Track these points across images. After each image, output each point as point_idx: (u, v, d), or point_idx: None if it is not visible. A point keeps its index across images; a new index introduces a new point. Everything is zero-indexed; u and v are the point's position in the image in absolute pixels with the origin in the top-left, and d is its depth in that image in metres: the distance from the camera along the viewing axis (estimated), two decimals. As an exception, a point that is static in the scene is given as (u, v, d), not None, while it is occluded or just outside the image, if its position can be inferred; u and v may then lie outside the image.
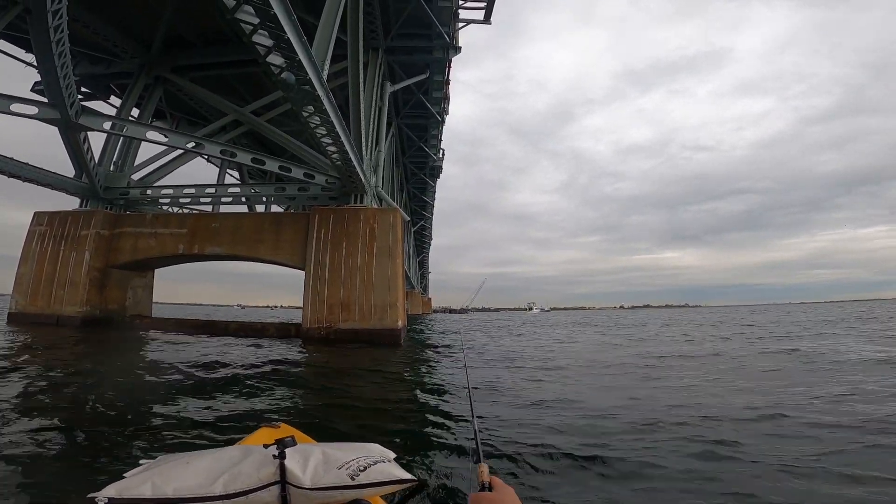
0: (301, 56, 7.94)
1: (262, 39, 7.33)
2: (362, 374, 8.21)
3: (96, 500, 1.29)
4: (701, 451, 3.87)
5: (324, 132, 11.65)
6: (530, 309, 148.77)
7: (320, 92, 9.55)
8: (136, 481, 1.38)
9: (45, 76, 11.73)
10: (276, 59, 8.01)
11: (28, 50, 16.67)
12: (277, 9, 6.55)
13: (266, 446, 1.56)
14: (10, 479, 2.92)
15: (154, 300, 20.34)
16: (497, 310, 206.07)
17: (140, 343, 12.73)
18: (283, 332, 16.65)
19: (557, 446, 3.94)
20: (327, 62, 10.01)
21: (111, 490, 1.34)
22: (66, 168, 16.31)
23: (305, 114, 10.45)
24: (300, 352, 11.79)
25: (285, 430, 2.11)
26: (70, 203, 17.78)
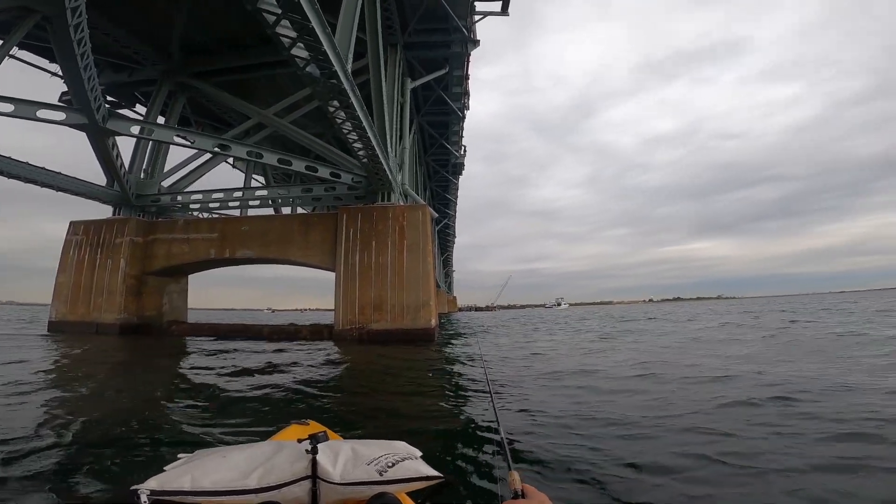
0: (326, 47, 7.75)
1: (286, 31, 7.16)
2: (392, 376, 8.01)
3: (139, 492, 1.33)
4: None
5: (350, 128, 11.49)
6: (559, 305, 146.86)
7: (346, 85, 9.37)
8: (176, 474, 1.43)
9: (70, 83, 11.84)
10: (300, 52, 7.84)
11: (51, 59, 17.05)
12: (301, -4, 6.35)
13: (300, 441, 1.59)
14: (57, 472, 3.02)
15: (188, 306, 20.66)
16: (523, 306, 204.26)
17: (179, 348, 12.83)
18: (316, 334, 16.60)
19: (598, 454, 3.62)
20: (350, 55, 9.81)
21: (153, 483, 1.39)
22: (98, 178, 16.67)
23: (331, 109, 10.29)
24: (333, 353, 11.66)
25: (314, 427, 2.16)
26: (103, 212, 18.17)
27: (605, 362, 9.03)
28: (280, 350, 12.22)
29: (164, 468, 1.49)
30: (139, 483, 1.36)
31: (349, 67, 9.71)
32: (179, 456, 1.63)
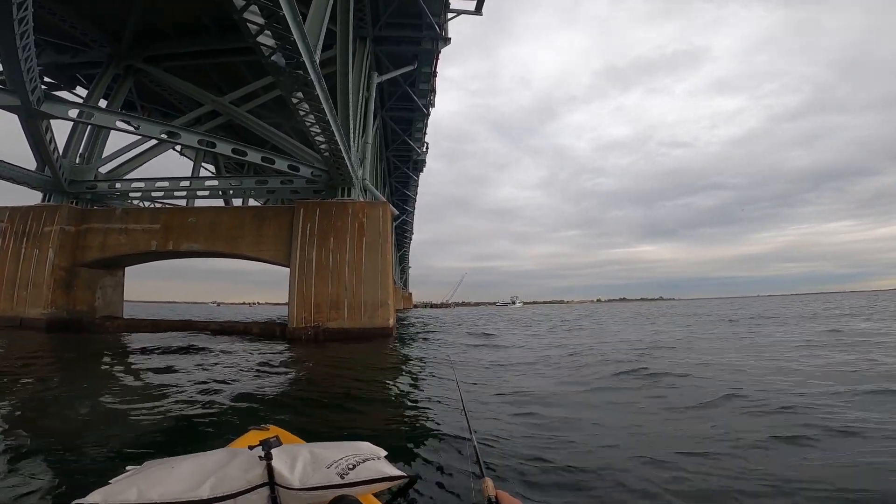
0: (296, 36, 7.26)
1: (254, 17, 6.62)
2: (354, 378, 7.73)
3: None
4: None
5: (313, 120, 10.97)
6: (513, 303, 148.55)
7: (313, 76, 8.88)
8: (121, 487, 1.37)
9: (5, 62, 10.59)
10: (266, 40, 7.30)
11: None
12: (274, -20, 5.85)
13: (251, 448, 1.55)
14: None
15: (125, 299, 19.25)
16: (477, 304, 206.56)
17: (114, 347, 11.83)
18: (268, 332, 15.91)
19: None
20: (319, 46, 9.31)
21: (96, 496, 1.33)
22: (25, 161, 15.14)
23: (295, 100, 9.76)
24: (289, 353, 11.17)
25: (275, 433, 2.07)
26: (30, 198, 16.52)
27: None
28: (229, 350, 11.53)
29: (110, 481, 1.43)
30: (81, 497, 1.32)
31: (317, 58, 9.22)
32: (127, 468, 1.56)
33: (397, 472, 1.55)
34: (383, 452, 1.67)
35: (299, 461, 1.51)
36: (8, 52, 10.08)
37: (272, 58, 7.88)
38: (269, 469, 1.46)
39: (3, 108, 12.25)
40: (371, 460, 1.56)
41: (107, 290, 17.72)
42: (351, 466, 1.50)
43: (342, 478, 1.46)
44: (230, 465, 1.48)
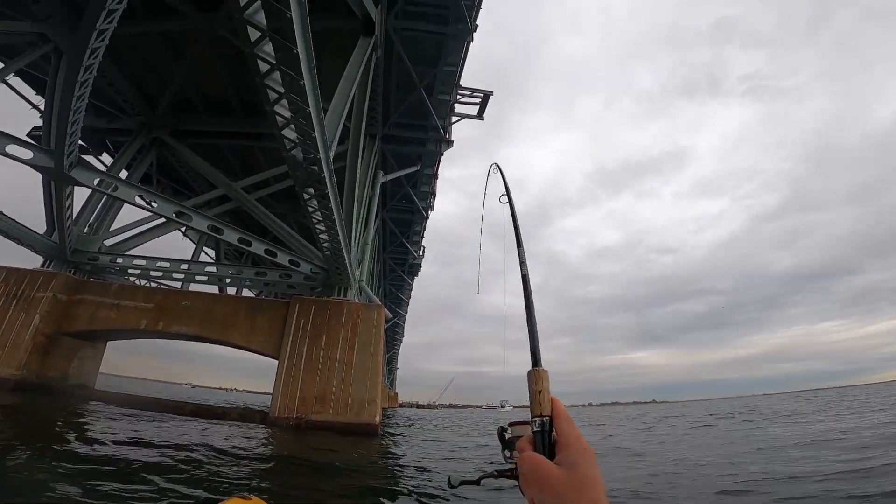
0: (316, 133, 7.86)
1: (283, 111, 7.24)
2: (332, 460, 7.76)
3: None
4: None
5: (319, 218, 11.32)
6: (503, 407, 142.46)
7: (326, 173, 9.40)
8: None
9: (54, 122, 10.84)
10: (290, 133, 7.90)
11: (38, 91, 16.58)
12: (307, 80, 6.50)
13: None
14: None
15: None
16: (465, 406, 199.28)
17: (84, 416, 11.18)
18: (248, 418, 15.21)
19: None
20: (335, 143, 9.95)
21: None
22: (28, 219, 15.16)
23: (306, 196, 10.17)
24: (270, 438, 10.80)
25: None
26: (29, 258, 16.37)
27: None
28: (204, 428, 10.96)
29: None
30: None
31: (332, 154, 9.78)
32: None
33: None
34: None
35: None
36: (61, 111, 10.10)
37: (292, 151, 8.45)
38: None
39: (36, 168, 12.06)
40: None
41: (84, 361, 17.07)
42: None
43: None
44: None
